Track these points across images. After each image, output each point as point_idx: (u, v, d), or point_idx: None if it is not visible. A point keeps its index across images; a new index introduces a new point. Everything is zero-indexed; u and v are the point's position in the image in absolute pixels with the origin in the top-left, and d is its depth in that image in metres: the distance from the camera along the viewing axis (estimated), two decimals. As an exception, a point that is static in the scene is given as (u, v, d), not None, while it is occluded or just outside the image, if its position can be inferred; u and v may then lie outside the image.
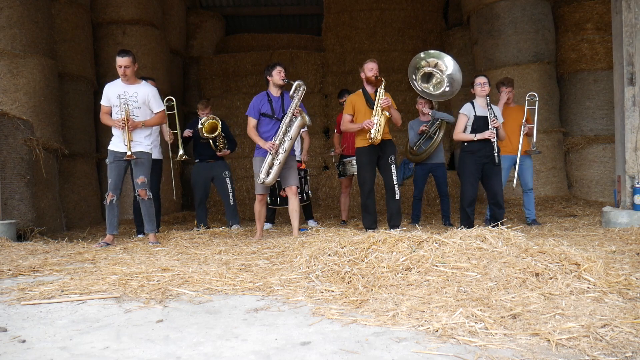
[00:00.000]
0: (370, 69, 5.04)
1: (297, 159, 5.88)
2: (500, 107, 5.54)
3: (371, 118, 4.91)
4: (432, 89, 5.15)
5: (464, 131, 5.06)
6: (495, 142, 4.94)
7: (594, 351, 1.74)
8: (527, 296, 2.28)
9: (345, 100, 5.53)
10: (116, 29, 7.91)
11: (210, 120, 5.98)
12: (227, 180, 6.11)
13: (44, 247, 4.45)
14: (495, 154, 4.93)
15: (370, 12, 10.24)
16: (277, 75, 4.96)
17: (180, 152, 5.93)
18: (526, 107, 5.74)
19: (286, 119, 4.85)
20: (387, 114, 4.96)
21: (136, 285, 2.78)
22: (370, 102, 5.02)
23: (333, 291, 2.56)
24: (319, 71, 10.13)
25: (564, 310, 2.11)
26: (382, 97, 4.95)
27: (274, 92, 5.01)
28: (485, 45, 8.30)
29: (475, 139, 4.95)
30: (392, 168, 5.01)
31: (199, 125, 5.97)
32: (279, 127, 4.88)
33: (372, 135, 4.87)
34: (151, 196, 4.81)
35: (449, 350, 1.78)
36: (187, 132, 6.08)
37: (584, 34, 8.09)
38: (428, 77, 5.17)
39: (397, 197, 5.01)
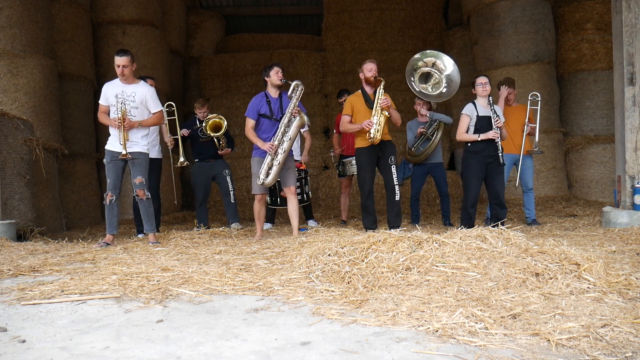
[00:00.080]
0: (369, 69, 5.03)
1: (296, 159, 5.87)
2: (501, 105, 5.53)
3: (370, 118, 4.91)
4: (430, 89, 5.14)
5: (467, 131, 5.05)
6: (499, 142, 4.94)
7: (594, 351, 1.74)
8: (527, 296, 2.28)
9: (344, 100, 5.52)
10: (116, 29, 7.91)
11: (215, 119, 5.98)
12: (228, 179, 6.11)
13: (44, 247, 4.45)
14: (500, 154, 4.92)
15: (370, 12, 10.24)
16: (274, 76, 4.93)
17: (181, 159, 5.93)
18: (529, 106, 5.74)
19: (285, 119, 4.83)
20: (387, 113, 4.95)
21: (136, 285, 2.78)
22: (369, 102, 5.01)
23: (333, 291, 2.56)
24: (319, 71, 10.13)
25: (564, 310, 2.10)
26: (381, 97, 4.95)
27: (272, 92, 4.99)
28: (485, 45, 8.30)
29: (479, 139, 4.93)
30: (392, 168, 5.00)
31: (203, 123, 5.96)
32: (278, 127, 4.87)
33: (371, 135, 4.86)
34: (150, 196, 4.80)
35: (449, 350, 1.78)
36: (184, 132, 6.07)
37: (584, 34, 8.09)
38: (426, 77, 5.16)
39: (398, 197, 5.00)
